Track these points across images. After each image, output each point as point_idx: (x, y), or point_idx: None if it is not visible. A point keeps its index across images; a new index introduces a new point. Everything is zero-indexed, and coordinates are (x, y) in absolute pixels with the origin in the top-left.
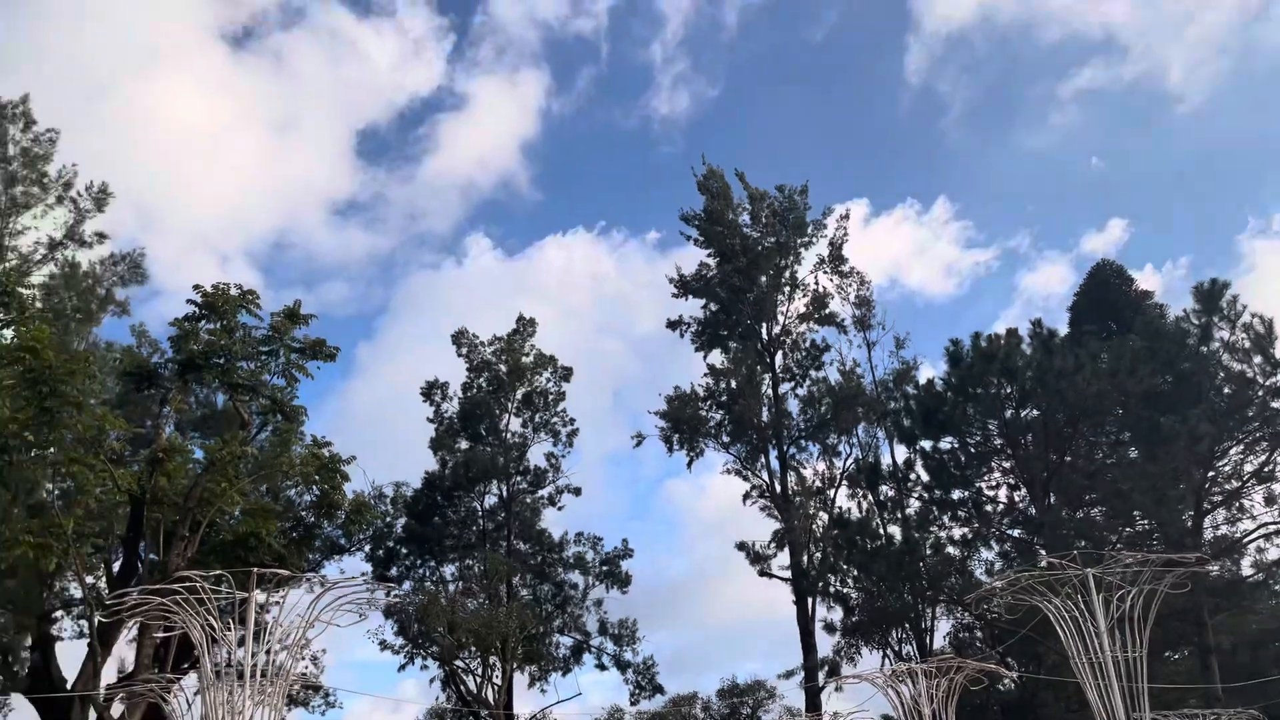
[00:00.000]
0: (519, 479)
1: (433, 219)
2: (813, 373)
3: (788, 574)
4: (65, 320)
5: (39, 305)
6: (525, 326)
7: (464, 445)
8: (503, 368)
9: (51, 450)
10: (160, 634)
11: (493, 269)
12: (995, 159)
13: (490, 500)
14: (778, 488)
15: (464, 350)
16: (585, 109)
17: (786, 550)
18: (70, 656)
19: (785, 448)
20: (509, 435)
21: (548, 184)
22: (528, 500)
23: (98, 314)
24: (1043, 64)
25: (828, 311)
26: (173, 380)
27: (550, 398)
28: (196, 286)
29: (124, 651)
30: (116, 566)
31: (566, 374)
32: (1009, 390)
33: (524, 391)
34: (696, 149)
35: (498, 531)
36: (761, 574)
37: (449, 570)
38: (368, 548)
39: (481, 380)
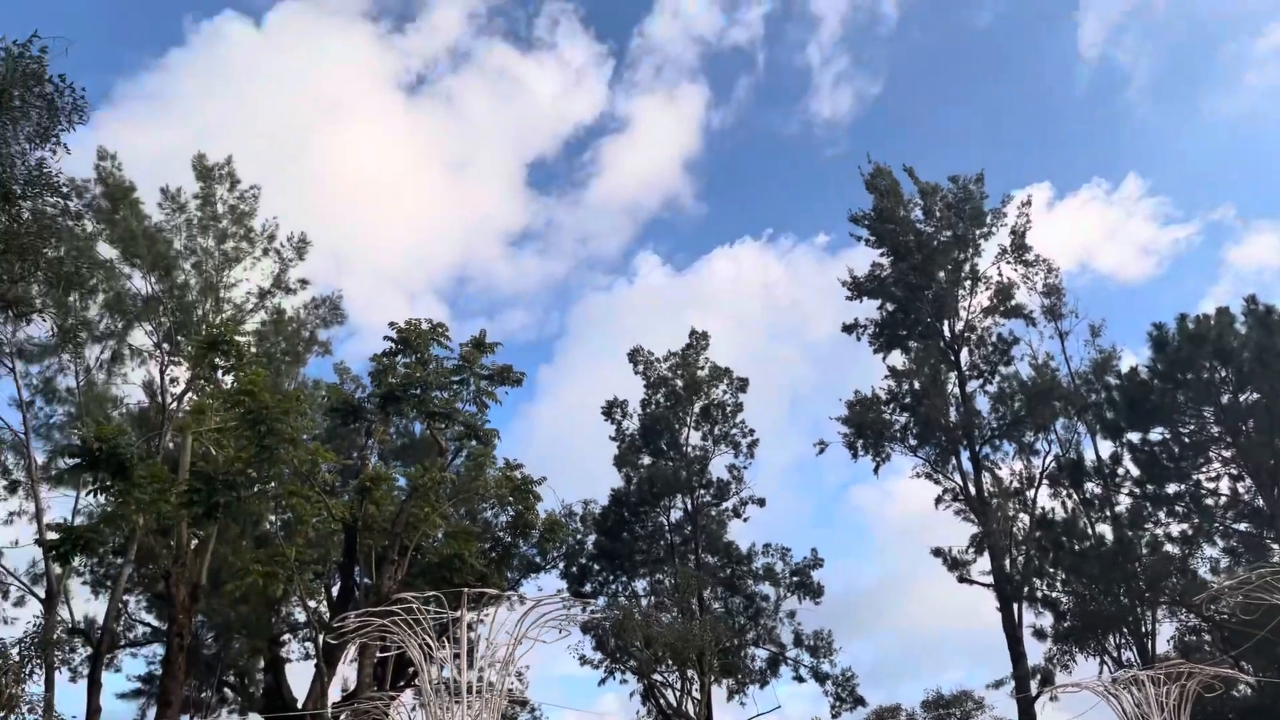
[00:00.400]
0: (702, 492)
1: (602, 241)
2: (1002, 368)
3: (989, 579)
4: (276, 363)
5: (254, 351)
6: (698, 340)
7: (646, 461)
8: (679, 383)
9: (272, 485)
10: (380, 654)
11: (663, 285)
12: (1188, 128)
13: (676, 514)
14: (972, 490)
15: (640, 367)
16: (745, 119)
17: (986, 554)
18: (298, 677)
19: (977, 448)
20: (690, 449)
21: (712, 197)
22: (712, 513)
23: (304, 355)
24: (1233, 21)
25: (1014, 303)
26: (375, 413)
27: (728, 409)
28: (392, 323)
29: (346, 671)
30: (335, 590)
31: (742, 385)
32: (1224, 374)
33: (701, 405)
34: (861, 148)
35: (685, 545)
36: (961, 580)
37: (641, 585)
38: (562, 565)
39: (659, 396)
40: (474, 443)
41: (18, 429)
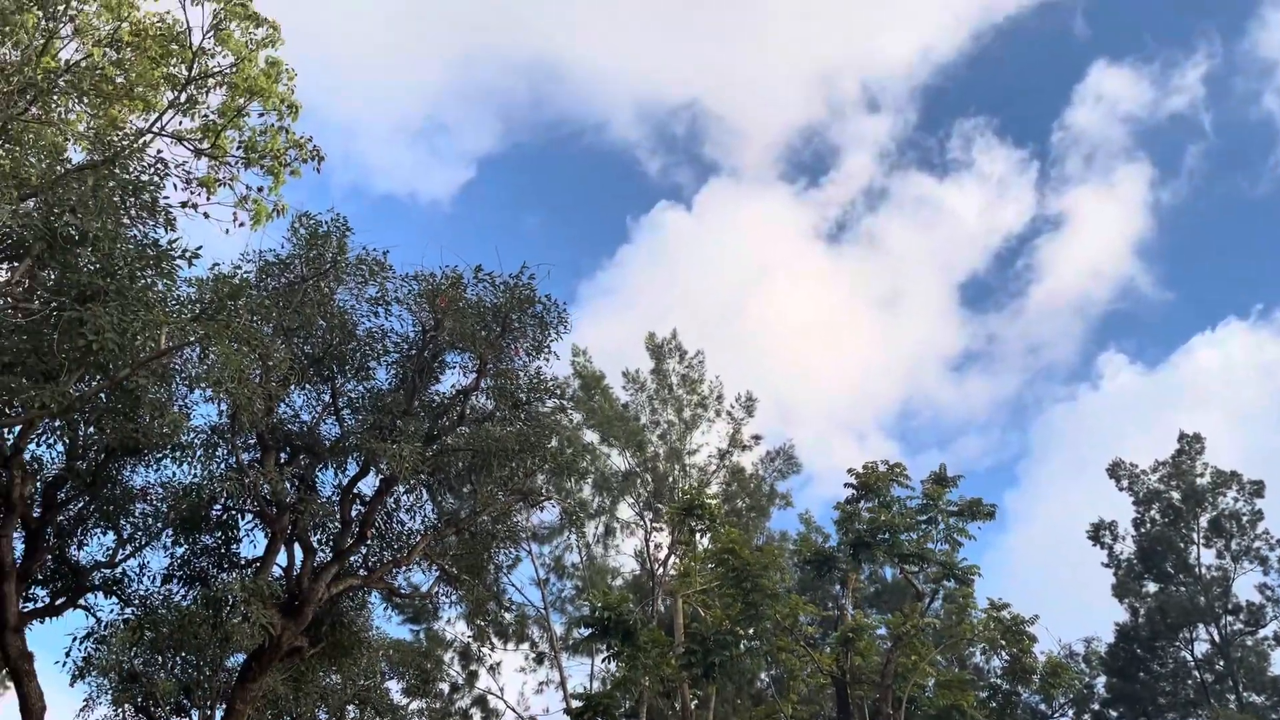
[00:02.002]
0: (1230, 619)
1: (1054, 348)
2: None
3: None
4: (743, 520)
5: (724, 510)
6: (1190, 444)
7: (1152, 588)
8: (1175, 495)
9: (757, 641)
10: None
11: (1134, 386)
12: None
13: (1201, 647)
14: None
15: (1124, 482)
16: (1201, 188)
17: None
18: None
19: None
20: (1203, 570)
21: (1176, 280)
22: (1248, 643)
23: (767, 508)
24: None
25: None
26: (846, 561)
27: (1244, 519)
28: (850, 469)
29: None
30: None
31: (1257, 488)
32: None
33: (1209, 518)
34: None
35: (1220, 683)
36: None
37: None
38: (1071, 712)
39: (1153, 512)
40: (951, 583)
41: (538, 605)
